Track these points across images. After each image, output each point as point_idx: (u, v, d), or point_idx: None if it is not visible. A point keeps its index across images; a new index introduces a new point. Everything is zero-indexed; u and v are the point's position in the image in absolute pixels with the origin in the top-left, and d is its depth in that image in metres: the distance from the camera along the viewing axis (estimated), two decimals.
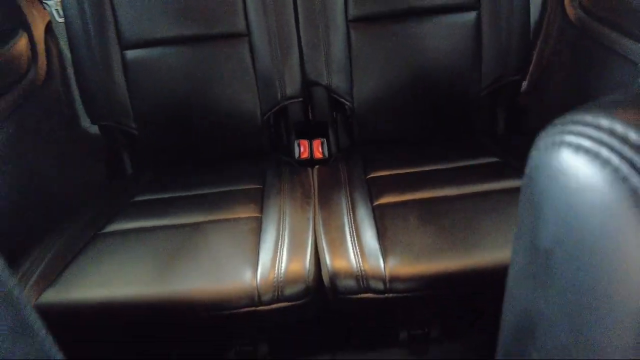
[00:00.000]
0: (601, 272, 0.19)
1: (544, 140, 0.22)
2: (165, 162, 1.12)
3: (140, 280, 0.74)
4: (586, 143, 0.20)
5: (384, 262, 0.73)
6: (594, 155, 0.19)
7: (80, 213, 0.95)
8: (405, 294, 0.72)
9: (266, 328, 0.82)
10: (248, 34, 1.06)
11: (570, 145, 0.20)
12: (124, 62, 1.07)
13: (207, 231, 0.84)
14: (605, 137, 0.19)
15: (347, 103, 1.09)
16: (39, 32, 1.11)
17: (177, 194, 0.99)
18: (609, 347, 0.20)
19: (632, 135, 0.18)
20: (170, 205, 0.94)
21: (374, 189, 0.93)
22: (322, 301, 0.75)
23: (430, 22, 1.07)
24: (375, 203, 0.88)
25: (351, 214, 0.85)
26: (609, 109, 0.20)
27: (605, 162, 0.19)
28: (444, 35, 1.07)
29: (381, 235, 0.78)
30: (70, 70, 1.17)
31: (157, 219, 0.89)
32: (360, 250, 0.76)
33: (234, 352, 0.91)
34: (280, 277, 0.73)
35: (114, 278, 0.75)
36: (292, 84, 1.07)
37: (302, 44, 1.06)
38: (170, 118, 1.09)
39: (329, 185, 0.96)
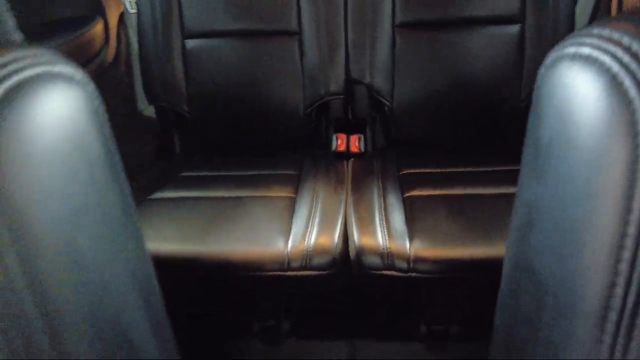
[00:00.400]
0: (588, 154, 0.24)
1: (550, 57, 0.27)
2: (211, 145, 1.22)
3: (183, 239, 0.82)
4: (581, 50, 0.25)
5: (410, 243, 0.77)
6: (586, 58, 0.24)
7: (131, 182, 1.05)
8: (427, 275, 0.75)
9: (292, 297, 0.87)
10: (299, 32, 1.16)
11: (569, 55, 0.25)
12: (184, 50, 1.19)
13: (246, 204, 0.91)
14: (594, 41, 0.24)
15: (387, 103, 1.15)
16: (113, 20, 1.25)
17: (221, 173, 1.07)
18: (594, 224, 0.24)
19: (615, 34, 0.23)
20: (214, 181, 1.02)
21: (405, 184, 0.97)
22: (347, 275, 0.79)
23: (474, 32, 1.12)
24: (406, 195, 0.93)
25: (382, 200, 0.90)
26: (605, 22, 0.25)
27: (593, 60, 0.24)
28: (486, 45, 1.12)
29: (409, 220, 0.82)
30: (134, 57, 1.30)
31: (201, 191, 0.98)
32: (387, 230, 0.80)
33: (258, 327, 0.96)
34: (310, 248, 0.78)
35: (159, 235, 0.83)
36: (335, 81, 1.15)
37: (349, 44, 1.14)
38: (220, 104, 1.19)
39: (362, 176, 1.01)
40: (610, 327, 0.23)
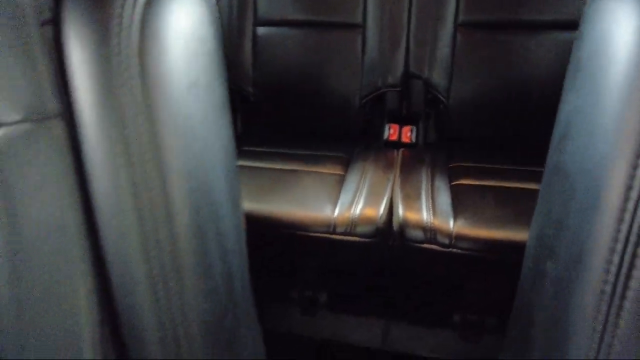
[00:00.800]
0: (624, 65, 0.28)
1: None
2: (270, 126, 1.30)
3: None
4: None
5: (454, 221, 0.80)
6: None
7: None
8: (467, 252, 0.78)
9: (335, 264, 0.92)
10: (363, 26, 1.23)
11: None
12: (254, 37, 1.29)
13: (299, 176, 0.98)
14: None
15: (443, 99, 1.19)
16: None
17: (277, 150, 1.15)
18: (622, 125, 0.28)
19: None
20: (270, 156, 1.11)
21: (454, 174, 1.00)
22: (389, 247, 0.84)
23: (537, 36, 1.14)
24: (454, 183, 0.96)
25: (429, 184, 0.93)
26: None
27: None
28: (549, 50, 1.13)
29: (455, 203, 0.86)
30: None
31: (258, 162, 1.06)
32: (432, 208, 0.84)
33: (297, 295, 1.02)
34: (355, 216, 0.83)
35: None
36: (393, 74, 1.21)
37: (410, 38, 1.19)
38: (282, 89, 1.28)
39: (412, 164, 1.05)
40: (627, 217, 0.26)
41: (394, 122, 1.23)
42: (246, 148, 1.17)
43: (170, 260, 0.33)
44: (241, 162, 1.06)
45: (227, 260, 0.38)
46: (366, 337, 1.03)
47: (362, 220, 0.83)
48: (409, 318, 1.03)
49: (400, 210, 0.84)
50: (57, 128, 0.32)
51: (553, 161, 0.34)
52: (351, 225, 0.83)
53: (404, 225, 0.82)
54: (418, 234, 0.81)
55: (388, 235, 0.83)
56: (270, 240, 0.89)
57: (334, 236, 0.83)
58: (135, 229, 0.32)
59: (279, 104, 1.29)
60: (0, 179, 0.30)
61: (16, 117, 0.31)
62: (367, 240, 0.83)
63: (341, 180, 0.97)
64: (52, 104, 0.31)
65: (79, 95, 0.31)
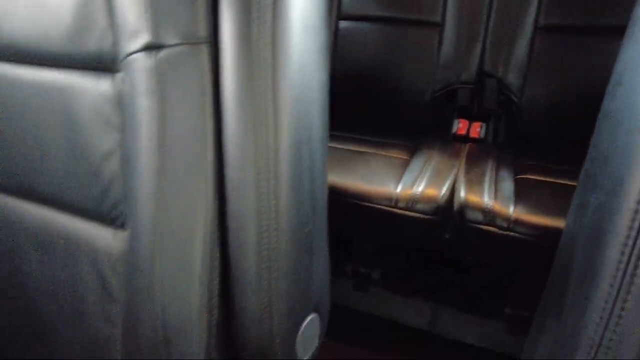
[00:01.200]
0: None
1: None
2: (344, 114, 1.39)
3: None
4: None
5: (514, 207, 0.84)
6: None
7: None
8: (525, 237, 0.81)
9: (393, 239, 0.98)
10: (442, 24, 1.29)
11: None
12: (336, 30, 1.39)
13: (366, 157, 1.07)
14: None
15: (515, 99, 1.22)
16: None
17: (348, 135, 1.23)
18: None
19: None
20: (341, 139, 1.19)
21: (520, 169, 1.03)
22: (447, 227, 0.89)
23: (616, 42, 1.13)
24: (519, 176, 0.99)
25: (494, 173, 0.97)
26: None
27: None
28: None
29: (517, 190, 0.89)
30: None
31: (332, 143, 1.15)
32: (494, 192, 0.88)
33: (352, 269, 1.09)
34: (417, 194, 0.90)
35: None
36: (467, 71, 1.25)
37: (487, 37, 1.23)
38: (359, 81, 1.37)
39: (478, 156, 1.09)
40: None
41: (464, 118, 1.27)
42: None
43: (273, 165, 0.43)
44: None
45: (313, 180, 0.47)
46: (415, 318, 1.08)
47: (424, 197, 0.90)
48: (460, 305, 1.07)
49: (462, 192, 0.89)
50: (204, 52, 0.42)
51: (605, 108, 0.39)
52: (413, 201, 0.89)
53: (465, 205, 0.87)
54: (478, 216, 0.86)
55: (448, 215, 0.89)
56: (333, 209, 0.98)
57: (395, 210, 0.90)
58: (251, 138, 0.42)
59: (354, 95, 1.38)
60: (160, 92, 0.42)
61: (176, 40, 0.42)
62: (426, 217, 0.88)
63: (406, 164, 1.04)
64: (203, 32, 0.42)
65: (224, 27, 0.41)
